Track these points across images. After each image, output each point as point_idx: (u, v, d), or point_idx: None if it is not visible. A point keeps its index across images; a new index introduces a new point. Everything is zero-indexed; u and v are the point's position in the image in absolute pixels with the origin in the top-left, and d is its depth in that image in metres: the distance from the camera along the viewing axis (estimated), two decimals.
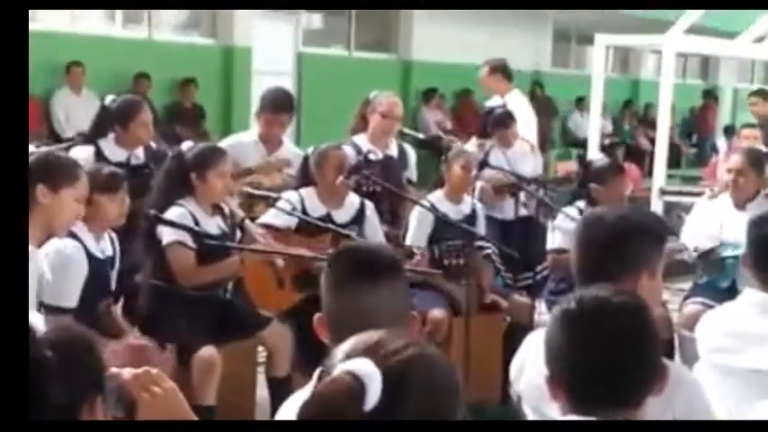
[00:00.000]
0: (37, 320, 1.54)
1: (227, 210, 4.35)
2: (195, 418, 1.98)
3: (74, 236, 3.64)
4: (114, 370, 1.77)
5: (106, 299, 3.90)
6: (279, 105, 5.27)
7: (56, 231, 3.25)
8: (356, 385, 1.25)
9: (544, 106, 15.00)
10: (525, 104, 6.51)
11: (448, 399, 1.34)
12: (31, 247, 2.98)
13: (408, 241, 4.98)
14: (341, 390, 1.26)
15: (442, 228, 4.97)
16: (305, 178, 4.79)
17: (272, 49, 12.03)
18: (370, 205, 4.85)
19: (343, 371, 1.28)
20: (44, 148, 5.68)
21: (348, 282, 2.00)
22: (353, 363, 1.28)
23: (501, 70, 6.53)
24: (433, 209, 5.00)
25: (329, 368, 1.32)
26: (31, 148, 5.35)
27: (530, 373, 2.30)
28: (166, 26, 11.65)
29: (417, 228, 5.02)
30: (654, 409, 1.85)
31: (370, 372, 1.26)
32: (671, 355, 4.24)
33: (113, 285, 3.95)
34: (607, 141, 12.16)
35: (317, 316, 2.04)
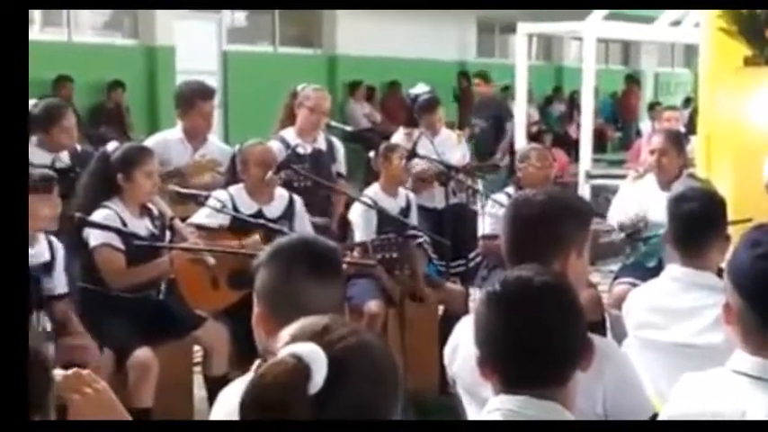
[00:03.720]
0: None
1: (155, 210, 4.31)
2: (129, 418, 1.97)
3: None
4: None
5: (58, 301, 3.84)
6: (208, 92, 5.28)
7: None
8: (301, 367, 1.24)
9: (470, 97, 15.14)
10: None
11: (387, 388, 1.34)
12: None
13: (358, 239, 4.97)
14: (285, 371, 1.24)
15: (382, 222, 4.98)
16: (234, 176, 4.77)
17: (196, 48, 11.93)
18: (298, 200, 4.84)
19: (287, 353, 1.26)
20: None
21: (300, 273, 1.99)
22: (298, 346, 1.27)
23: None
24: (375, 205, 5.00)
25: (274, 351, 1.31)
26: None
27: (462, 355, 2.33)
28: (86, 28, 11.46)
29: (364, 227, 4.99)
30: (585, 383, 1.89)
31: (315, 355, 1.25)
32: (603, 335, 4.32)
33: (63, 289, 3.89)
34: (534, 129, 12.30)
35: (255, 312, 2.03)
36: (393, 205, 5.14)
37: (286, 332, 1.34)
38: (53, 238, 3.86)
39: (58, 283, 3.88)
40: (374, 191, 5.18)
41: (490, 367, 1.82)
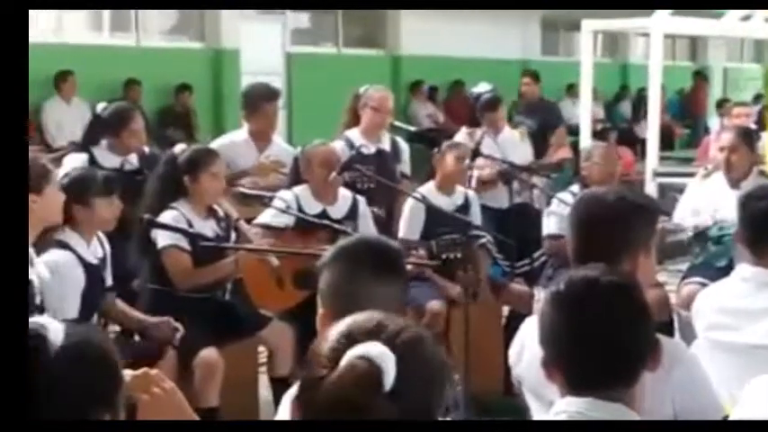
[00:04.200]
0: (55, 330, 1.44)
1: (220, 212, 4.36)
2: (197, 418, 1.99)
3: (65, 245, 3.64)
4: None
5: (105, 297, 3.91)
6: (273, 94, 5.35)
7: (50, 224, 3.47)
8: (373, 369, 1.26)
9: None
10: None
11: (439, 380, 1.36)
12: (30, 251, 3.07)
13: (401, 234, 4.98)
14: (359, 376, 1.26)
15: (435, 219, 4.97)
16: (297, 177, 4.80)
17: (261, 50, 12.04)
18: (362, 200, 4.85)
19: (354, 357, 1.28)
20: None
21: (361, 273, 2.00)
22: (363, 347, 1.28)
23: None
24: (424, 200, 5.00)
25: (324, 351, 1.32)
26: None
27: (528, 356, 2.31)
28: (154, 32, 11.65)
29: (410, 220, 5.02)
30: (653, 384, 1.86)
31: (383, 354, 1.27)
32: (671, 336, 4.24)
33: (110, 282, 3.96)
34: (599, 127, 12.16)
35: (320, 312, 2.04)
36: (448, 203, 5.12)
37: (336, 331, 1.35)
38: (101, 235, 3.93)
39: (108, 276, 3.96)
40: (427, 188, 5.18)
41: (555, 368, 1.81)
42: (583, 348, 1.77)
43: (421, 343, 1.34)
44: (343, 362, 1.28)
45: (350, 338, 1.32)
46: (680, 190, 6.08)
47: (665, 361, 1.84)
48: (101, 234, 3.92)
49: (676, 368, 2.08)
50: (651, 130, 9.06)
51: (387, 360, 1.27)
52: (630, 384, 1.77)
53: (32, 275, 3.24)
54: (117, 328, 4.33)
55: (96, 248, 3.86)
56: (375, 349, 1.27)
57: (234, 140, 5.31)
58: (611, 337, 1.77)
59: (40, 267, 3.39)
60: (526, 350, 2.34)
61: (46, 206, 3.29)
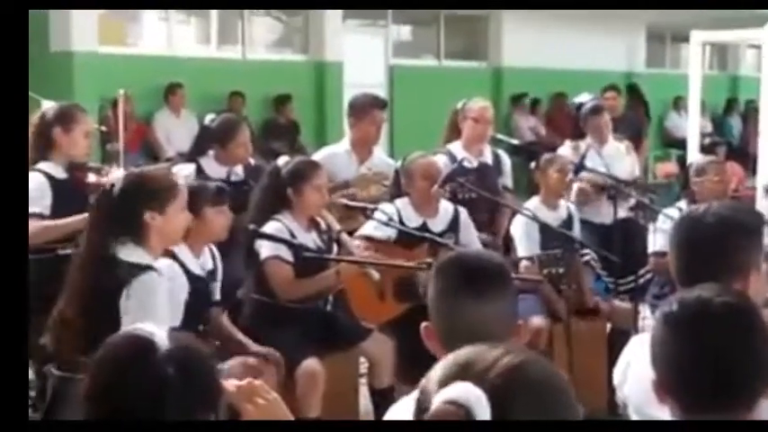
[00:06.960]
0: (160, 336, 1.55)
1: (323, 224, 4.39)
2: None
3: (173, 256, 3.68)
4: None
5: (210, 311, 3.94)
6: (381, 102, 5.40)
7: (173, 244, 3.41)
8: (462, 413, 1.21)
9: (639, 108, 14.71)
10: None
11: (553, 399, 1.29)
12: (157, 265, 3.10)
13: (520, 254, 4.93)
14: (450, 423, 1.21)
15: (543, 235, 4.92)
16: (399, 189, 4.81)
17: (363, 62, 12.14)
18: (464, 212, 4.83)
19: (444, 401, 1.23)
20: (146, 168, 5.82)
21: (457, 290, 2.00)
22: (453, 390, 1.24)
23: None
24: (535, 218, 4.94)
25: (426, 397, 1.28)
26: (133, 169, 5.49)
27: (633, 376, 2.25)
28: (260, 45, 11.87)
29: (526, 239, 4.95)
30: None
31: (473, 396, 1.22)
32: None
33: (218, 296, 3.97)
34: (707, 141, 11.84)
35: (424, 325, 2.03)
36: (554, 218, 5.06)
37: (432, 375, 1.30)
38: (213, 247, 3.96)
39: (217, 290, 3.97)
40: (534, 204, 5.12)
41: (667, 391, 1.75)
42: (696, 372, 1.72)
43: (519, 371, 1.27)
44: (433, 406, 1.24)
45: (442, 381, 1.27)
46: None
47: None
48: (213, 247, 3.95)
49: None
50: (763, 144, 8.77)
51: (478, 402, 1.21)
52: (746, 410, 1.71)
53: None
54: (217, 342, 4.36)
55: (206, 261, 3.89)
56: (464, 392, 1.22)
57: (334, 152, 5.35)
58: (727, 360, 1.71)
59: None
60: (631, 369, 2.29)
61: (166, 225, 3.12)
